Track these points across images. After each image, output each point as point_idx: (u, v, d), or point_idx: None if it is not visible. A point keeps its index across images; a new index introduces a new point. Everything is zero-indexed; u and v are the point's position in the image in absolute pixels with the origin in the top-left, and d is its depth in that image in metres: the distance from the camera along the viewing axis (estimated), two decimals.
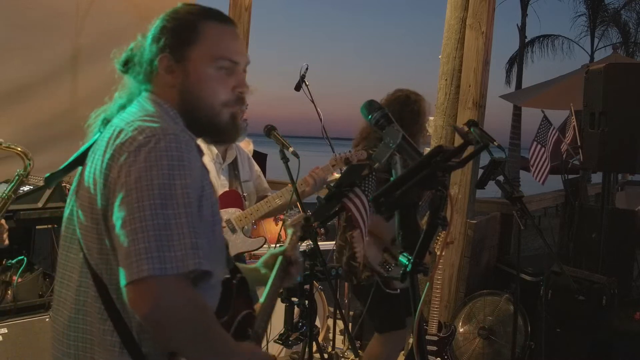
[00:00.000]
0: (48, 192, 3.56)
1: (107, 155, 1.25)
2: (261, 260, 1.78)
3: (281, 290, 1.88)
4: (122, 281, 1.15)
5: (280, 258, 1.72)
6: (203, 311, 1.23)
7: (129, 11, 4.59)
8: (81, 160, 1.40)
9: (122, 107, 1.42)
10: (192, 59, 1.36)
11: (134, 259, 1.14)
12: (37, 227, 3.77)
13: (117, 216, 1.18)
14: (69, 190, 3.94)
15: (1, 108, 3.92)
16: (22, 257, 3.32)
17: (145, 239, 1.14)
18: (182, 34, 1.36)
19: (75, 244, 1.33)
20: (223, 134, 1.43)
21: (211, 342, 1.25)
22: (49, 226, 3.69)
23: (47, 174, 1.51)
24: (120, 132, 1.27)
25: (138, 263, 1.13)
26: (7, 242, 2.70)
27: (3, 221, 2.73)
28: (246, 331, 1.47)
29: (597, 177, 8.40)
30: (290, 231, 1.90)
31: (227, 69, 1.38)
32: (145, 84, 1.40)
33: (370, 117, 1.47)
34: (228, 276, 1.46)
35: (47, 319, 3.03)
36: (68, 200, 1.39)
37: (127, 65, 1.45)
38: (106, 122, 1.42)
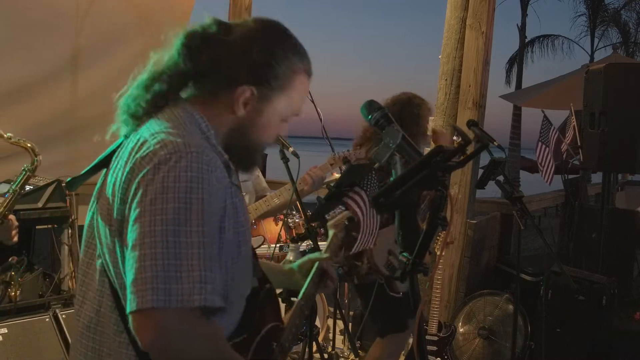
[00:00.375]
0: (48, 192, 3.56)
1: (127, 168, 1.19)
2: (297, 262, 1.73)
3: (280, 290, 1.84)
4: (128, 308, 1.11)
5: (316, 264, 1.66)
6: (211, 344, 1.17)
7: (129, 11, 4.59)
8: (105, 163, 1.35)
9: (149, 89, 1.30)
10: (272, 104, 1.31)
11: (140, 287, 1.09)
12: (37, 227, 3.77)
13: (130, 236, 1.13)
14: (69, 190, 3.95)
15: (1, 108, 3.92)
16: (22, 257, 3.32)
17: (153, 268, 1.09)
18: (276, 76, 1.29)
19: (95, 249, 1.30)
20: (250, 166, 1.42)
21: None
22: (49, 226, 3.69)
23: (69, 178, 1.47)
24: (143, 143, 1.20)
25: (143, 293, 1.08)
26: (16, 239, 2.69)
27: (13, 217, 2.72)
28: (270, 346, 1.41)
29: (597, 177, 8.41)
30: (331, 232, 1.74)
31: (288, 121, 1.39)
32: (197, 90, 1.31)
33: (370, 117, 1.47)
34: (255, 286, 1.41)
35: (47, 319, 3.03)
36: (90, 204, 1.35)
37: (191, 49, 1.29)
38: (133, 118, 1.33)
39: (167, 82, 1.29)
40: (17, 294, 3.08)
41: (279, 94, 1.31)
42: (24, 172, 2.77)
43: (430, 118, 4.35)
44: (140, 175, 1.15)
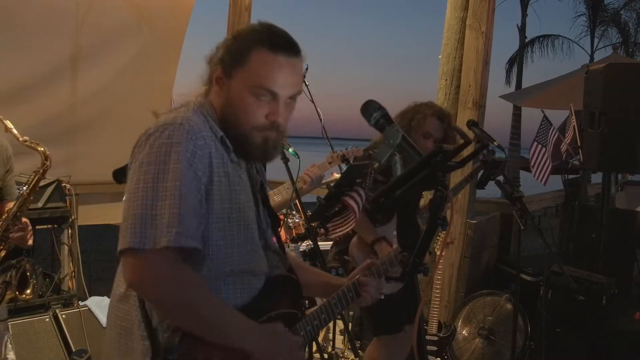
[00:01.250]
0: (48, 192, 3.56)
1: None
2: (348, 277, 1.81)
3: None
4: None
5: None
6: (186, 283, 1.33)
7: (129, 11, 4.59)
8: None
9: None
10: (236, 79, 1.48)
11: (123, 232, 1.32)
12: (37, 227, 3.77)
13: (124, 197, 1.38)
14: (69, 190, 3.96)
15: (1, 108, 3.92)
16: (22, 257, 3.32)
17: (133, 217, 1.31)
18: (235, 53, 1.48)
19: None
20: (250, 153, 1.52)
21: (197, 313, 1.34)
22: (49, 226, 3.69)
23: (115, 169, 1.71)
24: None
25: (124, 236, 1.31)
26: (31, 242, 2.71)
27: (27, 220, 2.74)
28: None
29: (597, 177, 8.40)
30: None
31: (264, 97, 1.47)
32: (207, 84, 1.54)
33: (370, 117, 1.47)
34: (278, 274, 1.56)
35: (47, 319, 3.03)
36: None
37: (210, 61, 1.56)
38: None
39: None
40: (32, 291, 3.11)
41: (238, 69, 1.46)
42: (35, 175, 2.84)
43: None
44: (137, 148, 1.42)
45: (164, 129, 1.38)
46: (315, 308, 1.65)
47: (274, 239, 1.64)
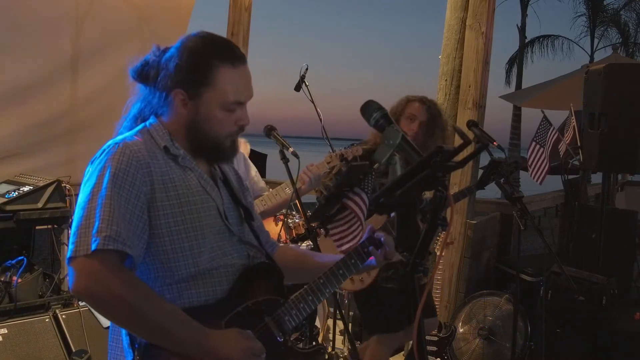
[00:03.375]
0: (48, 192, 3.56)
1: None
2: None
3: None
4: None
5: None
6: (122, 285, 1.36)
7: (129, 11, 4.58)
8: None
9: (135, 118, 1.62)
10: (203, 100, 1.53)
11: (69, 243, 1.41)
12: (37, 227, 3.77)
13: None
14: (69, 190, 3.96)
15: (1, 108, 3.92)
16: (22, 257, 3.32)
17: (75, 228, 1.41)
18: (196, 74, 1.51)
19: None
20: (223, 157, 1.63)
21: (136, 315, 1.37)
22: (49, 226, 3.69)
23: None
24: None
25: (70, 246, 1.40)
26: None
27: None
28: (261, 316, 1.56)
29: (597, 177, 8.40)
30: None
31: (234, 110, 1.55)
32: (159, 107, 1.57)
33: (370, 117, 1.47)
34: (257, 262, 1.62)
35: (47, 319, 3.03)
36: None
37: (141, 75, 1.59)
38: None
39: (139, 108, 1.62)
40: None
41: (206, 89, 1.51)
42: None
43: None
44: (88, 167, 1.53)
45: (103, 151, 1.49)
46: (300, 291, 1.64)
47: (252, 231, 1.68)
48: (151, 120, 1.59)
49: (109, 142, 1.51)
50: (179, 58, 1.52)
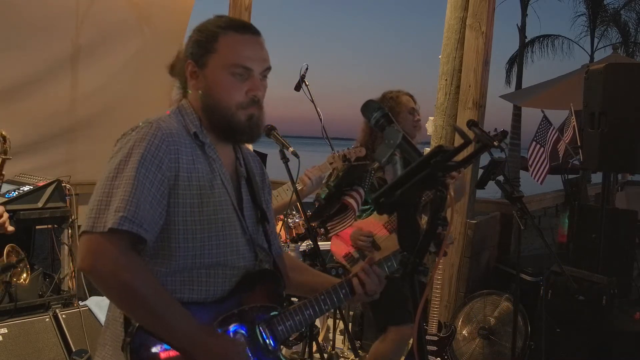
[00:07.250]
0: (48, 192, 3.56)
1: None
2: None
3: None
4: None
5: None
6: (128, 267, 1.36)
7: (129, 10, 4.59)
8: None
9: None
10: (210, 66, 1.54)
11: (86, 216, 1.40)
12: (37, 227, 3.77)
13: None
14: (69, 190, 3.96)
15: (1, 107, 3.92)
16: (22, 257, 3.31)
17: (93, 202, 1.40)
18: (204, 43, 1.55)
19: None
20: (240, 134, 1.58)
21: (136, 299, 1.37)
22: (49, 226, 3.69)
23: None
24: None
25: (84, 222, 1.39)
26: (10, 227, 2.65)
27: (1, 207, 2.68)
28: (253, 323, 1.54)
29: (597, 177, 8.40)
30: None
31: (241, 75, 1.53)
32: (184, 86, 1.61)
33: (370, 117, 1.47)
34: (262, 268, 1.60)
35: (47, 319, 3.03)
36: None
37: (173, 69, 1.63)
38: None
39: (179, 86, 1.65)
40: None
41: (210, 55, 1.54)
42: None
43: (430, 118, 4.36)
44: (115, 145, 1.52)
45: (136, 128, 1.48)
46: (299, 303, 1.63)
47: (265, 234, 1.67)
48: (182, 102, 1.61)
49: (144, 120, 1.51)
50: (192, 34, 1.58)
